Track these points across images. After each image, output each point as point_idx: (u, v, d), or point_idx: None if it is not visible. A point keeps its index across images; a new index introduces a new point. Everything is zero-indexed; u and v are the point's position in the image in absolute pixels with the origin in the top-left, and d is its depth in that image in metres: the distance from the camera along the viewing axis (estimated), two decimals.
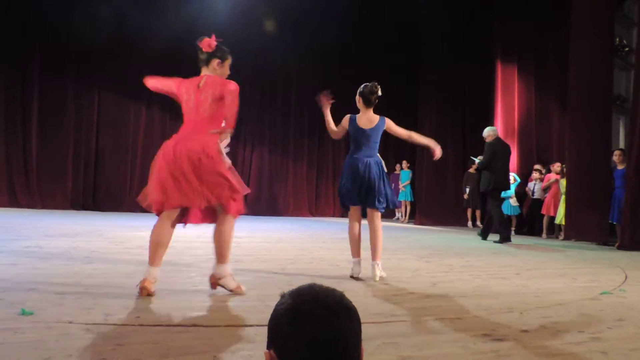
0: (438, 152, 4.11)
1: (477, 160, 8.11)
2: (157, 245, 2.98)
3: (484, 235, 8.00)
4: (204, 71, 3.21)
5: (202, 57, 3.20)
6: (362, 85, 4.01)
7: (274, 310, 0.95)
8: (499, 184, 7.69)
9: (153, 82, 3.32)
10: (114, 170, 11.43)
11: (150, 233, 3.02)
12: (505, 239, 7.55)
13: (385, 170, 4.03)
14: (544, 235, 9.46)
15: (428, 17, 11.79)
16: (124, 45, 10.97)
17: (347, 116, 4.02)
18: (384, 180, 3.94)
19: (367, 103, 3.97)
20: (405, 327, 2.55)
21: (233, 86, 3.09)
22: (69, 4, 10.27)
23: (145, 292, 2.84)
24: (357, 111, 4.07)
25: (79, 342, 2.05)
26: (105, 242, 5.51)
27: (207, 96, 3.07)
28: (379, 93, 3.97)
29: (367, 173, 3.85)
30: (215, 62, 3.19)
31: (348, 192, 3.93)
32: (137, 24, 10.41)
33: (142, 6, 10.52)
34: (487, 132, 7.99)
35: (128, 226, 7.58)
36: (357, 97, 4.01)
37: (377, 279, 3.79)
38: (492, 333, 2.46)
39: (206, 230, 7.48)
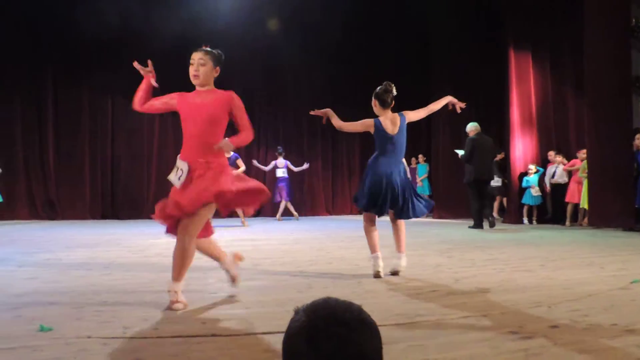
0: (458, 102, 4.08)
1: (460, 153, 8.69)
2: None
3: (479, 224, 8.48)
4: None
5: None
6: (378, 88, 3.91)
7: (288, 328, 0.89)
8: (478, 176, 8.37)
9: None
10: (130, 177, 11.52)
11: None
12: (477, 226, 8.41)
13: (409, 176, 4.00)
14: (567, 223, 9.27)
15: (436, 8, 11.62)
16: (134, 51, 10.99)
17: (371, 120, 3.89)
18: (412, 190, 3.91)
19: (384, 104, 3.87)
20: (430, 327, 2.47)
21: None
22: (79, 12, 10.32)
23: None
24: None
25: (97, 357, 2.01)
26: (124, 251, 5.52)
27: None
28: (394, 92, 3.87)
29: (398, 182, 3.79)
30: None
31: (374, 197, 3.80)
32: (147, 29, 10.41)
33: (151, 10, 10.51)
34: (469, 127, 8.64)
35: (146, 234, 7.60)
36: (373, 100, 3.90)
37: (402, 267, 3.85)
38: (520, 330, 2.37)
39: (222, 234, 7.48)
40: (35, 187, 10.92)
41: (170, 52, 11.18)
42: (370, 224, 3.95)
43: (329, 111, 3.99)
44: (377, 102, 3.89)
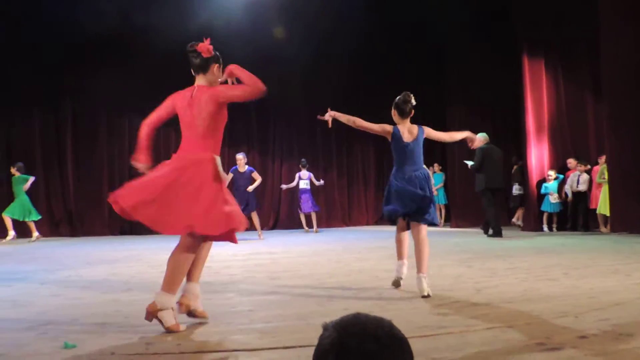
0: (476, 141, 4.32)
1: (469, 164, 8.89)
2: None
3: (486, 230, 8.66)
4: (200, 80, 2.99)
5: (199, 62, 2.96)
6: (397, 98, 3.92)
7: (318, 344, 0.88)
8: (489, 184, 8.52)
9: (148, 121, 3.07)
10: None
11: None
12: (497, 233, 8.39)
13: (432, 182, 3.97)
14: (602, 229, 8.99)
15: (450, 16, 11.61)
16: (148, 69, 11.10)
17: (391, 127, 3.90)
18: (432, 195, 3.86)
19: (403, 114, 3.87)
20: (454, 339, 2.43)
21: (220, 87, 2.95)
22: (95, 34, 10.50)
23: None
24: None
25: None
26: (144, 266, 5.56)
27: (200, 109, 2.87)
28: (414, 102, 3.88)
29: (421, 186, 3.75)
30: (215, 67, 2.99)
31: (405, 202, 3.73)
32: (162, 47, 10.44)
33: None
34: (478, 137, 8.62)
35: (165, 248, 7.63)
36: (393, 110, 3.91)
37: (426, 293, 3.47)
38: (547, 341, 2.32)
39: (241, 247, 7.46)
40: (55, 206, 11.09)
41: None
42: (402, 232, 3.92)
43: (333, 114, 3.98)
44: (396, 112, 3.91)
